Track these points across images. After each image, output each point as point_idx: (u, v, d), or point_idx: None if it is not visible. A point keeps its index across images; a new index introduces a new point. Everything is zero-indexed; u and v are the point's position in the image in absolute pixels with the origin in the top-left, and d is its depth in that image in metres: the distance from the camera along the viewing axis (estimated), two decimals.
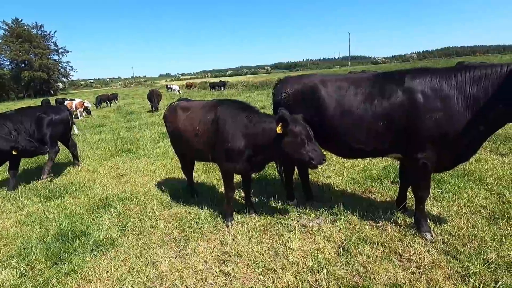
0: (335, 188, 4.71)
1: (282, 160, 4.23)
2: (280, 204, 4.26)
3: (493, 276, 2.52)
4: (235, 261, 3.14)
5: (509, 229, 3.15)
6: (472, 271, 2.56)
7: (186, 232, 3.82)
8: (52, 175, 6.49)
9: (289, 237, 3.44)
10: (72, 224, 4.15)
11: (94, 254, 3.48)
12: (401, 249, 3.01)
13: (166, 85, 42.95)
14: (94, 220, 4.28)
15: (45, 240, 3.79)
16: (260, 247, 3.32)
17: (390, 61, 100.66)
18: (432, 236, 3.13)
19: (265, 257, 3.14)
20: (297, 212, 4.02)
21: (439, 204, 3.82)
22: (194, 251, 3.41)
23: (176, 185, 5.36)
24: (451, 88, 2.76)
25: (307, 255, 3.10)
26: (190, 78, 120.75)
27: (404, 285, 2.53)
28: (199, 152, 3.98)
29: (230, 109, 3.65)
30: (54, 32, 67.07)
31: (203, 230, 3.80)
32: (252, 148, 3.49)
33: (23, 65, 61.92)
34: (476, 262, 2.66)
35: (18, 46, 59.14)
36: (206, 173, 6.06)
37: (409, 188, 3.71)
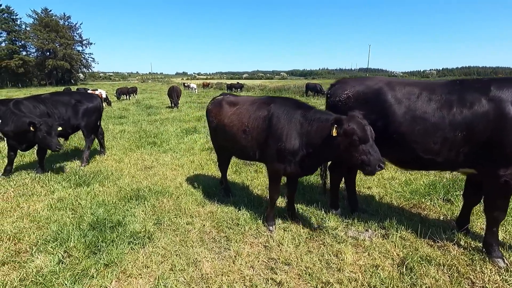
0: (380, 201, 4.43)
1: (330, 164, 4.00)
2: (323, 212, 4.01)
3: None
4: (284, 270, 2.91)
5: None
6: None
7: (226, 233, 3.62)
8: (86, 163, 6.49)
9: (339, 249, 3.20)
10: (107, 212, 4.01)
11: (132, 247, 3.31)
12: (473, 275, 2.72)
13: (183, 83, 43.34)
14: (128, 210, 4.12)
15: (80, 227, 3.64)
16: (310, 257, 3.08)
17: (408, 76, 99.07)
18: (505, 263, 2.83)
19: (317, 268, 2.90)
20: (344, 222, 3.76)
21: (503, 228, 3.50)
22: (238, 254, 3.19)
23: (208, 182, 5.19)
24: None
25: (364, 271, 2.84)
26: (206, 78, 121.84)
27: None
28: (245, 149, 3.78)
29: (285, 106, 3.45)
30: (80, 24, 69.18)
31: (244, 233, 3.59)
32: (306, 149, 3.26)
33: (48, 53, 63.78)
34: None
35: (45, 35, 60.98)
36: (237, 173, 5.87)
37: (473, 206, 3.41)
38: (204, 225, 3.82)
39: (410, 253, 3.06)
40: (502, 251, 2.99)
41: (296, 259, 3.06)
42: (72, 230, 3.53)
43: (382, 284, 2.64)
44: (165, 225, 3.82)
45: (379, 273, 2.76)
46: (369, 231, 3.57)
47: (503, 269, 2.78)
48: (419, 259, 2.92)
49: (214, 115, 4.20)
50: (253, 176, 5.65)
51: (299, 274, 2.86)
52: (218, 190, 4.92)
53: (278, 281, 2.75)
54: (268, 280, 2.79)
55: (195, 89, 36.92)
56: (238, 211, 4.10)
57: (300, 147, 3.27)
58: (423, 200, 4.30)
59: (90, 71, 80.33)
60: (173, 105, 18.27)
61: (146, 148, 8.04)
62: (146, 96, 29.39)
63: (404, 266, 2.83)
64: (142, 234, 3.55)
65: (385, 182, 5.09)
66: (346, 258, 3.02)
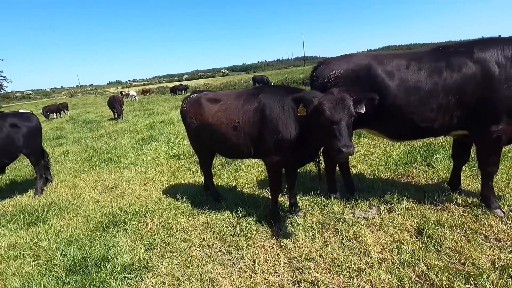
0: (369, 177, 4.51)
1: (323, 148, 3.90)
2: (323, 199, 3.91)
3: None
4: (311, 267, 2.71)
5: None
6: None
7: (232, 242, 3.28)
8: (41, 193, 5.48)
9: (355, 232, 3.12)
10: (83, 249, 3.34)
11: (128, 283, 2.78)
12: (483, 229, 2.86)
13: (121, 92, 40.05)
14: (109, 241, 3.49)
15: (54, 274, 2.95)
16: (330, 247, 2.93)
17: None
18: (503, 212, 3.04)
19: (343, 257, 2.77)
20: (347, 205, 3.70)
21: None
22: (255, 261, 2.90)
23: (190, 191, 4.72)
24: None
25: (389, 249, 2.79)
26: (144, 84, 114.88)
27: (511, 265, 2.35)
28: (236, 147, 3.45)
29: (275, 94, 3.20)
30: None
31: (252, 237, 3.29)
32: (304, 135, 3.05)
33: None
34: None
35: None
36: (217, 176, 5.47)
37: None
38: (204, 238, 3.41)
39: (422, 221, 3.12)
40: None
41: (317, 253, 2.88)
42: (44, 281, 2.84)
43: (412, 258, 2.62)
44: (159, 248, 3.32)
45: (404, 248, 2.74)
46: (374, 209, 3.57)
47: (504, 218, 2.98)
48: (433, 225, 2.99)
49: (193, 115, 3.77)
50: (236, 176, 5.33)
51: (327, 267, 2.69)
52: (205, 197, 4.51)
53: (310, 281, 2.54)
54: (299, 282, 2.56)
55: (135, 96, 34.41)
56: (236, 216, 3.77)
57: (298, 135, 3.06)
58: (409, 168, 4.50)
59: (3, 91, 69.23)
60: (116, 116, 16.68)
61: (101, 166, 7.09)
62: (80, 111, 26.44)
63: (424, 236, 2.86)
64: (136, 264, 3.02)
65: (366, 158, 5.23)
66: (366, 239, 2.95)
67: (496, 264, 2.42)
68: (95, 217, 4.24)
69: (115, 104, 16.44)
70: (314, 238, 3.13)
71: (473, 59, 2.82)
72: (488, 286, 2.21)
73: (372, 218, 3.35)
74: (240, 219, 3.65)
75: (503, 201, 3.26)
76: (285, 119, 3.06)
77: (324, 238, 3.12)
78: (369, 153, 5.46)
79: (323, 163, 4.04)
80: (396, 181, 4.21)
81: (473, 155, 3.70)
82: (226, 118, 3.43)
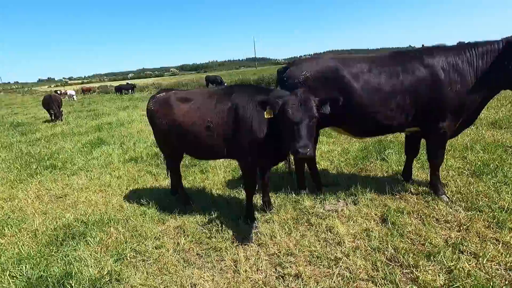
0: (333, 172, 4.81)
1: None
2: (294, 195, 4.06)
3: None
4: (292, 261, 2.81)
5: (489, 181, 3.80)
6: (502, 217, 2.98)
7: (209, 244, 3.22)
8: None
9: (327, 224, 3.31)
10: (37, 268, 2.95)
11: None
12: (435, 214, 3.27)
13: (56, 91, 35.89)
14: (68, 255, 3.14)
15: None
16: (307, 240, 3.07)
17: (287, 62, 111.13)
18: (448, 198, 3.52)
19: (320, 249, 2.92)
20: (317, 199, 3.90)
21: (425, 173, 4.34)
22: (236, 261, 2.89)
23: (155, 195, 4.48)
24: (463, 62, 3.15)
25: (361, 237, 3.03)
26: (83, 82, 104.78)
27: (464, 242, 2.74)
28: (210, 148, 3.39)
29: (247, 94, 3.22)
30: None
31: (230, 238, 3.27)
32: (276, 134, 3.11)
33: None
34: (498, 211, 3.11)
35: None
36: (183, 178, 5.27)
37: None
38: (178, 243, 3.29)
39: (385, 210, 3.44)
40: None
41: (296, 247, 2.99)
42: None
43: (381, 243, 2.88)
44: (129, 258, 3.10)
45: (373, 235, 3.00)
46: (341, 201, 3.82)
47: (449, 202, 3.45)
48: (394, 213, 3.32)
49: (162, 115, 3.59)
50: (202, 177, 5.22)
51: (307, 260, 2.81)
52: (173, 200, 4.33)
53: (293, 274, 2.63)
54: (283, 276, 2.64)
55: (73, 96, 31.24)
56: (209, 218, 3.70)
57: (271, 134, 3.11)
58: (366, 163, 4.91)
59: None
60: (54, 117, 14.96)
61: (44, 174, 6.31)
62: (6, 112, 23.12)
63: (389, 223, 3.17)
64: (106, 278, 2.78)
65: (327, 155, 5.55)
66: (339, 230, 3.15)
67: (448, 242, 2.80)
68: (44, 231, 3.78)
69: (52, 105, 14.71)
70: (290, 233, 3.23)
71: (424, 64, 3.22)
72: (445, 261, 2.54)
73: (341, 210, 3.59)
74: (214, 220, 3.59)
75: (446, 188, 3.77)
76: (258, 119, 3.10)
77: (300, 232, 3.25)
78: (329, 150, 5.81)
79: (293, 160, 4.18)
80: (357, 175, 4.57)
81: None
82: (198, 118, 3.35)
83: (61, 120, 14.78)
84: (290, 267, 2.73)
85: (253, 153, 3.17)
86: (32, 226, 3.96)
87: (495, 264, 2.47)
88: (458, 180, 3.93)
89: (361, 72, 3.33)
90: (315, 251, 2.89)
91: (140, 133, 9.53)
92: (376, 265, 2.62)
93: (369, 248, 2.85)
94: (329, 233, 3.16)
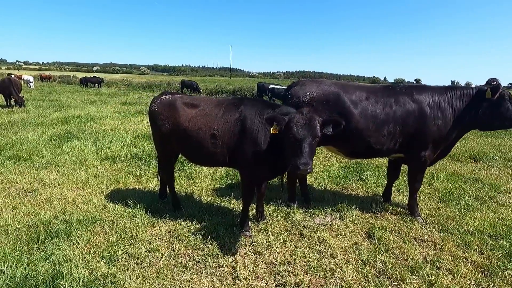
0: (318, 188, 5.07)
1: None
2: (284, 207, 4.22)
3: (479, 239, 3.45)
4: (290, 270, 2.93)
5: (455, 206, 4.32)
6: (469, 240, 3.42)
7: (205, 250, 3.23)
8: None
9: (319, 237, 3.50)
10: (20, 265, 2.72)
11: None
12: (413, 233, 3.63)
13: (9, 74, 32.70)
14: (54, 254, 2.94)
15: None
16: (302, 251, 3.23)
17: (263, 76, 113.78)
18: (422, 219, 3.93)
19: (314, 260, 3.09)
20: (306, 213, 4.10)
21: (401, 195, 4.80)
22: (234, 268, 2.94)
23: (141, 198, 4.35)
24: (445, 102, 3.63)
25: (351, 251, 3.26)
26: (40, 69, 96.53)
27: (440, 259, 3.09)
28: (212, 155, 3.43)
29: (256, 107, 3.35)
30: None
31: (225, 244, 3.30)
32: (278, 148, 3.27)
33: None
34: (465, 234, 3.56)
35: None
36: None
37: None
38: (173, 248, 3.24)
39: (369, 227, 3.73)
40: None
41: (292, 257, 3.13)
42: None
43: (370, 257, 3.13)
44: (121, 260, 2.99)
45: (362, 249, 3.25)
46: (328, 216, 4.07)
47: (423, 224, 3.86)
48: (379, 230, 3.62)
49: (166, 118, 3.57)
50: (189, 183, 5.18)
51: (304, 270, 2.96)
52: (162, 204, 4.25)
53: (293, 283, 2.76)
54: (283, 284, 2.74)
55: (31, 82, 28.72)
56: (203, 224, 3.71)
57: (274, 147, 3.25)
58: (348, 182, 5.26)
59: None
60: (13, 103, 13.68)
61: (6, 165, 5.77)
62: None
63: (374, 238, 3.45)
64: (100, 280, 2.66)
65: (312, 173, 5.83)
66: (331, 243, 3.36)
67: (427, 259, 3.14)
68: (20, 227, 3.48)
69: (12, 89, 13.47)
70: (285, 244, 3.37)
71: (413, 99, 3.65)
72: (425, 276, 2.85)
73: (330, 224, 3.82)
74: (208, 227, 3.61)
75: (420, 211, 4.20)
76: (264, 132, 3.24)
77: (293, 243, 3.39)
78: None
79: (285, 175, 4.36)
80: (340, 193, 4.88)
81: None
82: (204, 125, 3.40)
83: (23, 106, 13.56)
84: (289, 275, 2.85)
85: (255, 164, 3.29)
86: (1, 222, 3.62)
87: (467, 279, 2.83)
88: (428, 205, 4.40)
89: (359, 99, 3.66)
90: (310, 262, 3.05)
91: (115, 131, 9.11)
92: (367, 277, 2.85)
93: (360, 261, 3.08)
94: (321, 246, 3.35)
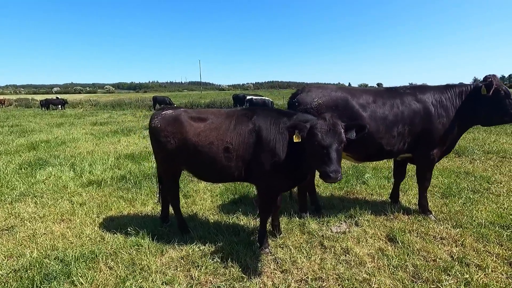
0: (324, 195, 4.98)
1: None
2: (297, 218, 4.06)
3: (493, 231, 3.52)
4: (323, 286, 2.76)
5: (459, 201, 4.44)
6: (485, 232, 3.48)
7: (227, 275, 2.96)
8: None
9: (342, 246, 3.37)
10: None
11: None
12: (430, 231, 3.63)
13: None
14: None
15: None
16: (330, 263, 3.07)
17: (233, 88, 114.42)
18: (434, 217, 3.96)
19: (345, 271, 2.94)
20: (320, 222, 3.97)
21: (408, 193, 4.86)
22: None
23: (140, 223, 3.97)
24: (447, 100, 3.74)
25: (378, 257, 3.16)
26: None
27: (466, 256, 3.09)
28: (226, 169, 3.21)
29: (270, 116, 3.21)
30: None
31: (247, 266, 3.06)
32: (297, 158, 3.16)
33: None
34: (479, 227, 3.62)
35: None
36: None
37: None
38: (191, 276, 2.94)
39: (388, 230, 3.68)
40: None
41: (321, 271, 2.96)
42: None
43: (399, 261, 3.05)
44: None
45: (389, 254, 3.17)
46: (344, 224, 3.97)
47: (436, 221, 3.88)
48: (398, 232, 3.58)
49: (170, 134, 3.30)
50: (188, 202, 4.86)
51: (338, 283, 2.80)
52: (167, 228, 3.91)
53: None
54: None
55: None
56: (218, 246, 3.43)
57: (293, 157, 3.13)
58: (350, 186, 5.23)
59: None
60: None
61: None
62: None
63: (397, 241, 3.39)
64: None
65: None
66: (356, 252, 3.24)
67: (454, 257, 3.12)
68: (5, 274, 2.98)
69: None
70: (310, 257, 3.19)
71: (417, 99, 3.72)
72: (459, 275, 2.82)
73: (349, 232, 3.71)
74: (226, 248, 3.34)
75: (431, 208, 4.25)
76: (281, 142, 3.10)
77: (318, 256, 3.23)
78: None
79: None
80: (346, 198, 4.83)
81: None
82: (216, 138, 3.19)
83: None
84: None
85: (274, 175, 3.12)
86: None
87: (499, 274, 2.83)
88: (433, 201, 4.47)
89: (367, 102, 3.66)
90: (342, 274, 2.90)
91: (93, 153, 8.46)
92: (404, 283, 2.75)
93: (392, 267, 2.98)
94: (347, 255, 3.22)
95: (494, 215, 3.92)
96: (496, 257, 3.08)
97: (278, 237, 3.62)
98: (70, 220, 4.34)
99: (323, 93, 3.71)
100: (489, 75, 3.63)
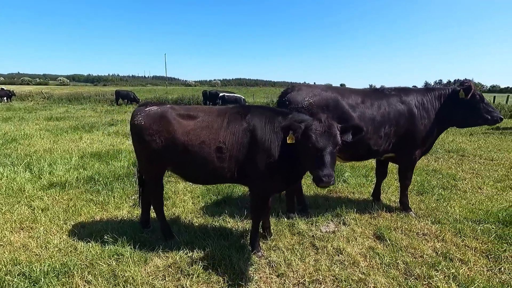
0: (310, 194, 4.98)
1: None
2: (285, 219, 4.00)
3: (468, 226, 3.76)
4: (320, 287, 2.72)
5: (432, 197, 4.72)
6: (461, 227, 3.71)
7: (221, 282, 2.79)
8: None
9: (333, 246, 3.38)
10: None
11: None
12: (413, 228, 3.78)
13: None
14: None
15: None
16: (324, 264, 3.04)
17: (200, 84, 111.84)
18: (414, 213, 4.14)
19: (340, 271, 2.94)
20: (308, 222, 3.95)
21: (387, 190, 5.05)
22: None
23: (116, 229, 3.64)
24: (428, 102, 3.91)
25: (370, 256, 3.20)
26: None
27: (446, 251, 3.25)
28: (218, 170, 3.02)
29: (264, 115, 3.08)
30: None
31: (241, 271, 2.91)
32: (292, 158, 3.08)
33: None
34: (455, 222, 3.85)
35: None
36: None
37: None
38: (182, 286, 2.73)
39: (375, 228, 3.76)
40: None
41: (317, 272, 2.92)
42: None
43: (391, 259, 3.12)
44: None
45: (380, 252, 3.23)
46: (331, 223, 3.99)
47: (416, 218, 4.06)
48: (384, 229, 3.67)
49: (156, 132, 3.02)
50: (168, 204, 4.56)
51: (335, 284, 2.78)
52: (148, 234, 3.62)
53: None
54: None
55: None
56: (207, 251, 3.24)
57: (288, 158, 3.05)
58: (332, 186, 5.30)
59: None
60: None
61: None
62: None
63: (386, 239, 3.47)
64: None
65: None
66: (348, 251, 3.26)
67: (438, 252, 3.28)
68: None
69: None
70: (304, 259, 3.14)
71: (402, 101, 3.84)
72: (445, 270, 2.95)
73: (338, 231, 3.73)
74: (216, 253, 3.16)
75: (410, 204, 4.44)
76: (276, 142, 2.99)
77: (311, 257, 3.19)
78: None
79: None
80: (330, 196, 4.88)
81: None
82: (208, 137, 2.98)
83: None
84: None
85: (269, 176, 3.01)
86: None
87: (479, 267, 3.02)
88: (411, 198, 4.69)
89: (356, 103, 3.70)
90: (338, 275, 2.89)
91: (52, 152, 7.65)
92: (398, 280, 2.81)
93: (384, 265, 3.04)
94: (340, 255, 3.22)
95: (466, 210, 4.21)
96: (474, 251, 3.29)
97: (269, 239, 3.52)
98: (31, 228, 3.84)
99: (313, 92, 3.67)
100: (466, 79, 3.87)
